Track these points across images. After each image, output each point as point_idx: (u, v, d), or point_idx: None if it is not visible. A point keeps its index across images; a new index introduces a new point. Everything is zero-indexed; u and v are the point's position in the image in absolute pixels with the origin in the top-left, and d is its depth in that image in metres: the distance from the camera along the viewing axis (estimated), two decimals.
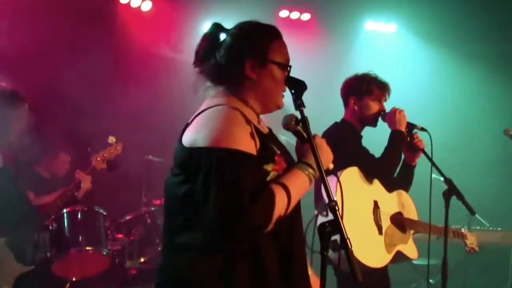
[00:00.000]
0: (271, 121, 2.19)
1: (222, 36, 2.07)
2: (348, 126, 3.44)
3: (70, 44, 5.47)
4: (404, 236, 3.36)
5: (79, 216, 4.30)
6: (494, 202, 6.09)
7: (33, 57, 5.13)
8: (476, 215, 3.47)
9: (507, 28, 6.36)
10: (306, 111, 1.97)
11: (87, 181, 4.03)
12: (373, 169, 3.27)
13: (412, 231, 3.44)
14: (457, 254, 4.26)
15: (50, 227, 4.23)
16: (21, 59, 4.95)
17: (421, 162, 3.50)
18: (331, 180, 1.91)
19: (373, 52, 6.79)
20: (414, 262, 5.28)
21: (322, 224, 1.82)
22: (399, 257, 3.30)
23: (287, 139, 2.16)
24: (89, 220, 4.36)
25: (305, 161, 1.97)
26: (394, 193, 3.43)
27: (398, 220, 3.36)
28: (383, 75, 3.48)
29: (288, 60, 2.09)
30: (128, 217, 4.95)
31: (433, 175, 3.20)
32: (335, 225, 1.80)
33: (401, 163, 3.44)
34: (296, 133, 2.03)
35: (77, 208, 4.31)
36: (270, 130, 2.15)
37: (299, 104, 1.97)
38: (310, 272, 2.10)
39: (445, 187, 3.19)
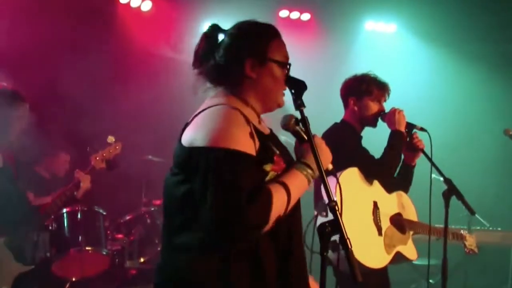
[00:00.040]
0: (271, 121, 2.19)
1: (221, 37, 2.07)
2: (348, 126, 3.43)
3: (69, 44, 5.47)
4: (403, 237, 3.36)
5: (79, 216, 4.30)
6: (494, 202, 6.09)
7: (32, 57, 5.13)
8: (476, 215, 3.47)
9: (507, 28, 6.36)
10: (306, 111, 1.97)
11: (86, 181, 4.03)
12: (373, 169, 3.27)
13: (411, 232, 3.44)
14: (457, 254, 4.25)
15: (50, 227, 4.23)
16: (21, 59, 4.95)
17: (420, 162, 3.50)
18: (330, 181, 1.91)
19: (373, 52, 6.79)
20: (414, 262, 5.28)
21: (322, 224, 1.82)
22: (399, 258, 3.30)
23: (287, 139, 2.16)
24: (89, 220, 4.36)
25: (304, 161, 1.97)
26: (394, 194, 3.43)
27: (398, 221, 3.36)
28: (383, 75, 3.48)
29: (287, 58, 2.09)
30: (128, 217, 4.95)
31: (433, 175, 3.20)
32: (335, 225, 1.80)
33: (400, 163, 3.44)
34: (294, 133, 2.03)
35: (77, 208, 4.31)
36: (271, 130, 2.15)
37: (299, 104, 1.97)
38: (310, 279, 2.10)
39: (445, 187, 3.18)
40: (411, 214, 3.50)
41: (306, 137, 2.00)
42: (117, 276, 4.63)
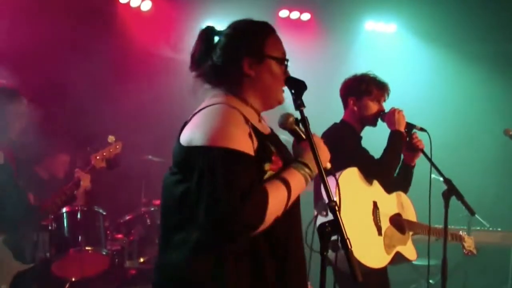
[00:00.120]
0: (271, 120, 2.18)
1: (216, 38, 2.07)
2: (348, 126, 3.43)
3: (69, 44, 5.47)
4: (403, 237, 3.36)
5: (78, 216, 4.30)
6: (494, 202, 6.09)
7: (32, 57, 5.12)
8: (476, 215, 3.47)
9: (507, 28, 6.35)
10: (306, 111, 1.97)
11: (86, 180, 4.03)
12: (372, 169, 3.27)
13: (411, 233, 3.44)
14: (456, 255, 4.25)
15: (50, 227, 4.23)
16: (20, 59, 4.95)
17: (420, 162, 3.50)
18: (330, 181, 1.91)
19: (373, 52, 6.78)
20: (414, 262, 5.28)
21: (322, 224, 1.82)
22: (398, 258, 3.30)
23: (287, 138, 2.16)
24: (89, 220, 4.36)
25: (301, 160, 1.97)
26: (394, 194, 3.43)
27: (397, 221, 3.36)
28: (383, 75, 3.48)
29: (284, 54, 2.10)
30: (127, 217, 4.94)
31: (433, 175, 3.20)
32: (335, 225, 1.80)
33: (400, 163, 3.44)
34: (292, 132, 2.03)
35: (76, 208, 4.31)
36: (271, 129, 2.14)
37: (299, 104, 1.97)
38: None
39: (444, 187, 3.18)
40: (410, 214, 3.50)
41: (304, 136, 2.00)
42: (117, 276, 4.63)
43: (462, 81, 6.81)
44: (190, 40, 2.13)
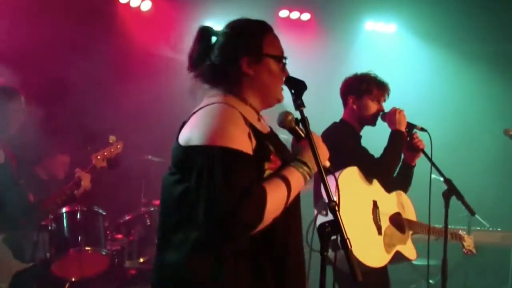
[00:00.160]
0: (271, 119, 2.18)
1: (213, 38, 2.07)
2: (347, 126, 3.43)
3: (69, 43, 5.47)
4: (403, 236, 3.36)
5: (78, 216, 4.30)
6: (494, 202, 6.08)
7: (32, 57, 5.12)
8: (476, 215, 3.47)
9: (507, 28, 6.35)
10: (306, 111, 1.97)
11: (86, 179, 4.03)
12: (372, 169, 3.27)
13: (411, 232, 3.44)
14: (457, 255, 4.25)
15: (50, 227, 4.23)
16: (20, 59, 4.94)
17: (420, 162, 3.50)
18: (329, 180, 1.90)
19: (373, 52, 6.78)
20: (414, 262, 5.28)
21: (322, 224, 1.82)
22: (398, 257, 3.30)
23: (286, 137, 2.16)
24: (89, 220, 4.36)
25: (300, 159, 1.96)
26: (394, 194, 3.43)
27: (397, 221, 3.36)
28: (383, 75, 3.48)
29: (282, 52, 2.10)
30: (127, 217, 4.94)
31: (433, 175, 3.20)
32: (335, 226, 1.80)
33: (400, 163, 3.44)
34: (291, 130, 2.03)
35: (76, 208, 4.31)
36: (271, 128, 2.14)
37: (299, 104, 1.97)
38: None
39: (445, 187, 3.19)
40: (410, 214, 3.50)
41: (303, 134, 2.00)
42: (117, 276, 4.63)
43: (462, 81, 6.81)
44: (190, 40, 2.13)
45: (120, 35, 5.94)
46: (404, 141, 3.38)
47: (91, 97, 5.18)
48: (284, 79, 2.06)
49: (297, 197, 2.02)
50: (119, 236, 4.86)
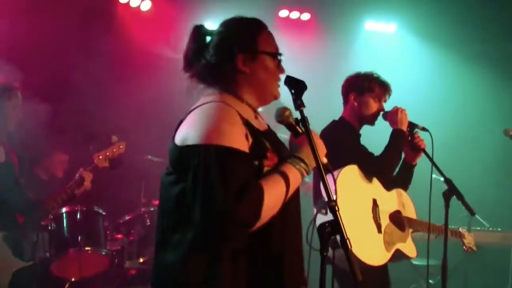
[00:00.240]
0: (271, 119, 2.18)
1: (208, 37, 2.07)
2: (346, 124, 3.44)
3: (69, 43, 5.47)
4: (403, 234, 3.36)
5: (78, 216, 4.30)
6: (494, 203, 6.08)
7: (32, 57, 5.11)
8: (476, 215, 3.47)
9: (507, 28, 6.35)
10: (305, 111, 1.97)
11: (89, 179, 4.04)
12: (372, 167, 3.28)
13: (411, 230, 3.44)
14: (457, 254, 4.25)
15: (49, 227, 4.23)
16: (20, 59, 4.93)
17: (421, 162, 3.50)
18: (328, 178, 1.90)
19: (373, 52, 6.78)
20: (414, 262, 5.29)
21: (322, 224, 1.82)
22: (398, 255, 3.30)
23: (286, 137, 2.16)
24: (89, 220, 4.36)
25: (297, 156, 1.96)
26: (394, 192, 3.43)
27: (397, 219, 3.36)
28: (383, 75, 3.49)
29: (277, 48, 2.10)
30: (127, 217, 4.94)
31: (433, 175, 3.20)
32: (335, 225, 1.80)
33: (401, 162, 3.45)
34: (289, 126, 2.03)
35: (76, 208, 4.31)
36: (268, 126, 2.14)
37: (299, 104, 1.97)
38: None
39: (445, 187, 3.18)
40: (410, 212, 3.50)
41: (300, 130, 2.00)
42: (117, 276, 4.62)
43: (462, 81, 6.80)
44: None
45: (120, 35, 5.94)
46: (405, 141, 3.38)
47: (90, 97, 5.18)
48: (280, 76, 2.07)
49: (297, 195, 2.02)
50: (119, 236, 4.86)
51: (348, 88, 3.47)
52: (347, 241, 1.76)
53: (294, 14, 6.78)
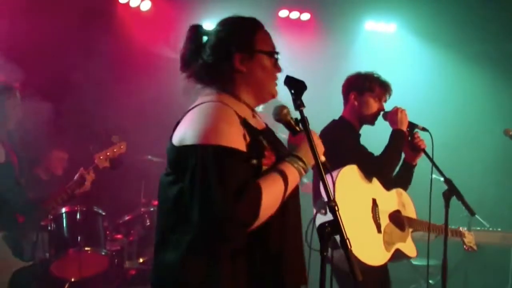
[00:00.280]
0: (269, 118, 2.18)
1: (205, 37, 2.08)
2: (346, 124, 3.44)
3: (69, 43, 5.46)
4: (403, 234, 3.36)
5: (78, 216, 4.29)
6: (494, 202, 6.08)
7: (31, 56, 5.11)
8: (476, 215, 3.47)
9: (507, 28, 6.35)
10: (305, 111, 1.97)
11: (89, 179, 4.03)
12: (372, 167, 3.28)
13: (410, 230, 3.44)
14: (457, 254, 4.25)
15: (49, 227, 4.23)
16: (20, 59, 4.93)
17: (421, 162, 3.50)
18: (327, 178, 1.90)
19: (373, 52, 6.78)
20: (414, 262, 5.28)
21: (322, 224, 1.82)
22: (398, 255, 3.30)
23: (285, 137, 2.16)
24: (88, 221, 4.36)
25: (296, 154, 1.97)
26: (393, 192, 3.43)
27: (397, 218, 3.36)
28: (383, 75, 3.48)
29: (274, 47, 2.10)
30: (127, 218, 4.94)
31: (433, 175, 3.19)
32: (335, 226, 1.79)
33: (401, 161, 3.44)
34: (287, 124, 2.03)
35: (76, 208, 4.31)
36: (266, 125, 2.14)
37: (298, 104, 1.97)
38: None
39: (445, 187, 3.18)
40: (410, 212, 3.50)
41: (298, 129, 2.00)
42: (116, 277, 4.62)
43: (462, 81, 6.80)
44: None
45: (120, 35, 5.94)
46: (405, 141, 3.38)
47: (90, 97, 5.18)
48: (277, 74, 2.07)
49: (296, 194, 2.02)
50: (119, 236, 4.86)
51: (349, 87, 3.47)
52: (347, 241, 1.76)
53: (294, 14, 6.77)
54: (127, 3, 6.10)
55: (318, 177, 1.89)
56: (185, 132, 1.89)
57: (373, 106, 3.41)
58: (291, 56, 6.06)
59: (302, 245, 2.07)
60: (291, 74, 2.03)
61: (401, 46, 7.05)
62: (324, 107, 4.57)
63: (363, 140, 3.49)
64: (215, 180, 1.76)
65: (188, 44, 2.08)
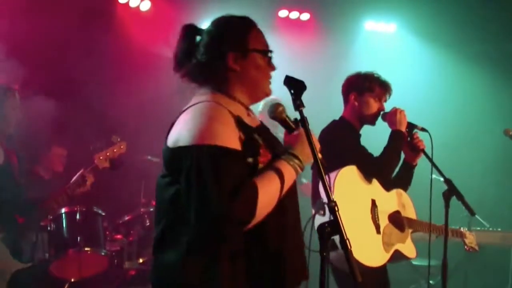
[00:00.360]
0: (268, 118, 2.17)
1: (198, 36, 2.08)
2: (347, 124, 3.43)
3: (68, 43, 5.46)
4: (402, 235, 3.35)
5: (77, 216, 4.29)
6: (494, 202, 6.08)
7: (31, 56, 5.11)
8: (476, 215, 3.46)
9: (507, 28, 6.34)
10: (305, 111, 1.97)
11: (90, 180, 4.03)
12: (372, 168, 3.27)
13: (410, 230, 3.43)
14: (457, 255, 4.24)
15: (49, 228, 4.22)
16: (20, 59, 4.93)
17: (421, 162, 3.50)
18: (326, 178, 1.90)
19: (373, 52, 6.77)
20: (413, 262, 5.28)
21: (322, 224, 1.81)
22: (397, 256, 3.29)
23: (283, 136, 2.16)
24: (88, 221, 4.35)
25: (291, 152, 1.96)
26: (393, 192, 3.42)
27: (397, 219, 3.35)
28: (383, 75, 3.48)
29: (267, 46, 2.10)
30: (126, 218, 4.93)
31: (433, 176, 3.19)
32: (335, 226, 1.79)
33: (401, 162, 3.44)
34: (282, 122, 2.03)
35: (75, 208, 4.30)
36: (261, 122, 2.14)
37: (298, 104, 1.97)
38: None
39: (445, 187, 3.18)
40: (410, 213, 3.49)
41: (294, 126, 2.00)
42: (116, 277, 4.61)
43: (462, 81, 6.80)
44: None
45: (119, 35, 5.94)
46: (404, 141, 3.38)
47: (90, 97, 5.18)
48: (271, 73, 2.07)
49: (293, 192, 2.01)
50: (119, 236, 4.85)
51: (349, 88, 3.46)
52: (347, 241, 1.75)
53: (294, 14, 6.76)
54: (127, 3, 6.10)
55: (318, 177, 1.89)
56: (179, 133, 1.89)
57: (373, 106, 3.41)
58: (291, 56, 6.07)
59: (302, 243, 2.07)
60: (290, 74, 2.03)
61: (401, 46, 7.05)
62: (324, 107, 4.57)
63: (363, 141, 3.49)
64: (211, 180, 1.76)
65: (182, 43, 2.08)
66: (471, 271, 5.59)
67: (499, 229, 5.33)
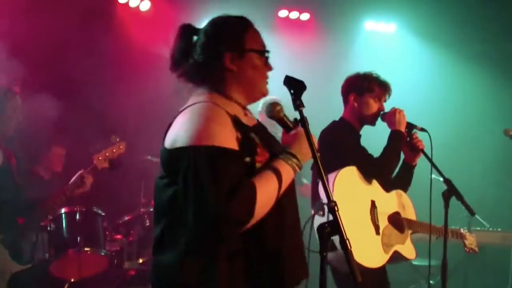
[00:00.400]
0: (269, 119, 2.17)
1: (195, 36, 2.07)
2: (347, 125, 3.43)
3: (68, 43, 5.46)
4: (401, 236, 3.35)
5: (77, 216, 4.29)
6: (494, 202, 6.08)
7: (31, 57, 5.11)
8: (476, 215, 3.46)
9: (507, 28, 6.34)
10: (305, 111, 1.96)
11: (89, 181, 4.03)
12: (371, 169, 3.26)
13: (410, 231, 3.43)
14: (457, 255, 4.23)
15: (49, 228, 4.22)
16: (19, 59, 4.93)
17: (420, 163, 3.50)
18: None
19: (373, 52, 6.77)
20: (413, 263, 5.27)
21: (322, 224, 1.81)
22: (397, 257, 3.29)
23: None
24: (88, 221, 4.35)
25: (289, 151, 1.96)
26: (393, 193, 3.41)
27: (396, 220, 3.34)
28: (383, 75, 3.47)
29: (264, 45, 2.10)
30: (126, 218, 4.93)
31: (433, 176, 3.19)
32: (335, 226, 1.79)
33: (401, 162, 3.44)
34: (280, 121, 2.03)
35: (75, 208, 4.30)
36: (258, 121, 2.14)
37: (298, 104, 1.97)
38: None
39: (444, 187, 3.17)
40: (410, 213, 3.49)
41: (291, 125, 2.00)
42: (116, 277, 4.61)
43: (462, 81, 6.80)
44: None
45: (119, 35, 5.94)
46: (404, 141, 3.37)
47: (90, 97, 5.18)
48: (267, 73, 2.07)
49: (292, 191, 2.01)
50: (118, 236, 4.85)
51: (348, 88, 3.46)
52: (347, 241, 1.75)
53: (294, 14, 6.76)
54: (127, 3, 6.10)
55: (317, 177, 1.89)
56: (176, 134, 1.89)
57: (373, 106, 3.40)
58: (291, 56, 6.07)
59: (302, 242, 2.07)
60: (290, 74, 2.03)
61: (401, 46, 7.05)
62: (324, 107, 4.58)
63: (363, 141, 3.48)
64: (208, 181, 1.76)
65: (178, 43, 2.07)
66: (471, 271, 5.59)
67: (499, 229, 5.33)
